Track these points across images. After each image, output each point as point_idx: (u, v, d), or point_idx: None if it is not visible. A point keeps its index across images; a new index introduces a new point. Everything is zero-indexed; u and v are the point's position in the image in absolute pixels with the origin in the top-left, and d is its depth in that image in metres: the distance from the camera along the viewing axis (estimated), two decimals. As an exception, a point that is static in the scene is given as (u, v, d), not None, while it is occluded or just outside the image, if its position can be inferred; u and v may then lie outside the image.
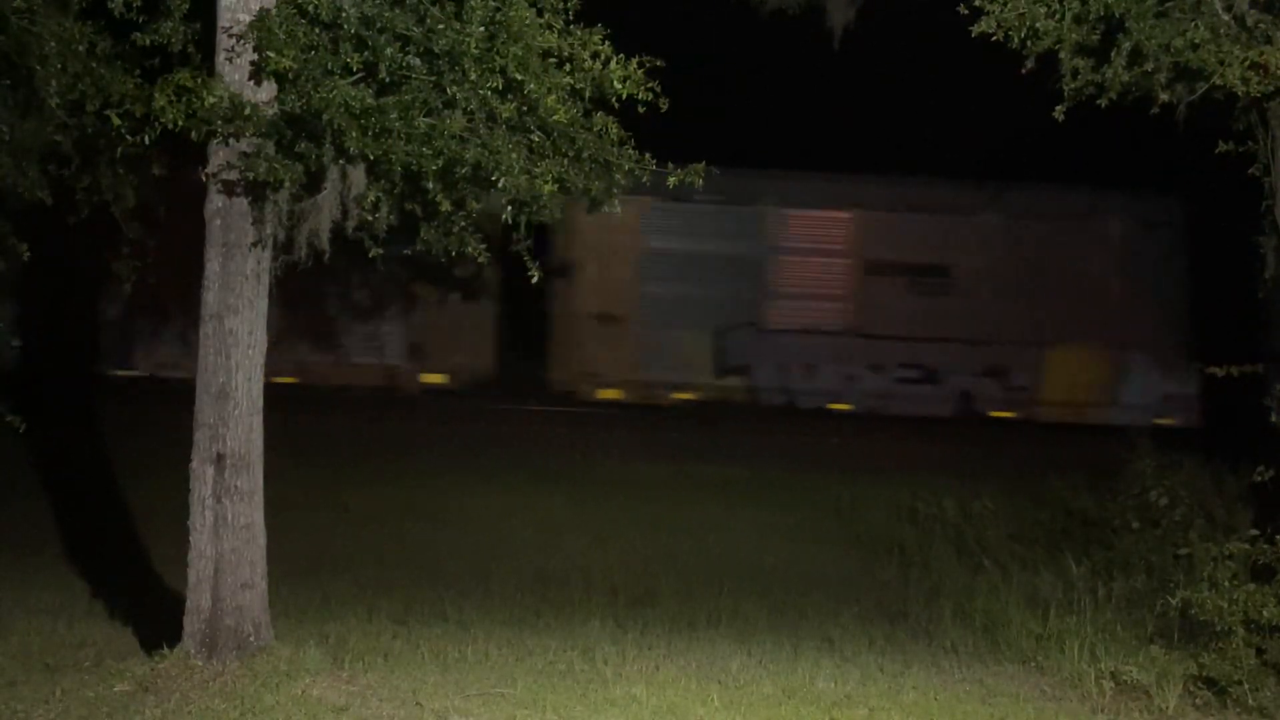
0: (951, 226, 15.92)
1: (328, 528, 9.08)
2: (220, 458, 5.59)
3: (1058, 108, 6.28)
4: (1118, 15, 6.07)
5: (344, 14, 5.29)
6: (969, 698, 6.10)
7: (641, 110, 5.53)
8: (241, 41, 5.44)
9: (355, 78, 5.29)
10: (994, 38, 6.20)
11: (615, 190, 5.72)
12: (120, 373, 15.05)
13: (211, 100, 5.27)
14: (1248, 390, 7.02)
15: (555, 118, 5.33)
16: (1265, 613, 6.07)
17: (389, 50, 5.25)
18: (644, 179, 5.70)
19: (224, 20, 5.51)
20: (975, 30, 6.20)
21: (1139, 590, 7.72)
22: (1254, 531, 6.61)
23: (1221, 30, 6.01)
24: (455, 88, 5.28)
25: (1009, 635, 7.12)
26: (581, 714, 5.57)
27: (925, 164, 15.52)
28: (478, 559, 8.58)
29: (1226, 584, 6.24)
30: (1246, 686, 6.04)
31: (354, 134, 5.14)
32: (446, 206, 5.44)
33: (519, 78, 5.27)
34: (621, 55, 5.52)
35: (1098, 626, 7.03)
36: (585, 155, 5.52)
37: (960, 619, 7.55)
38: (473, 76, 5.25)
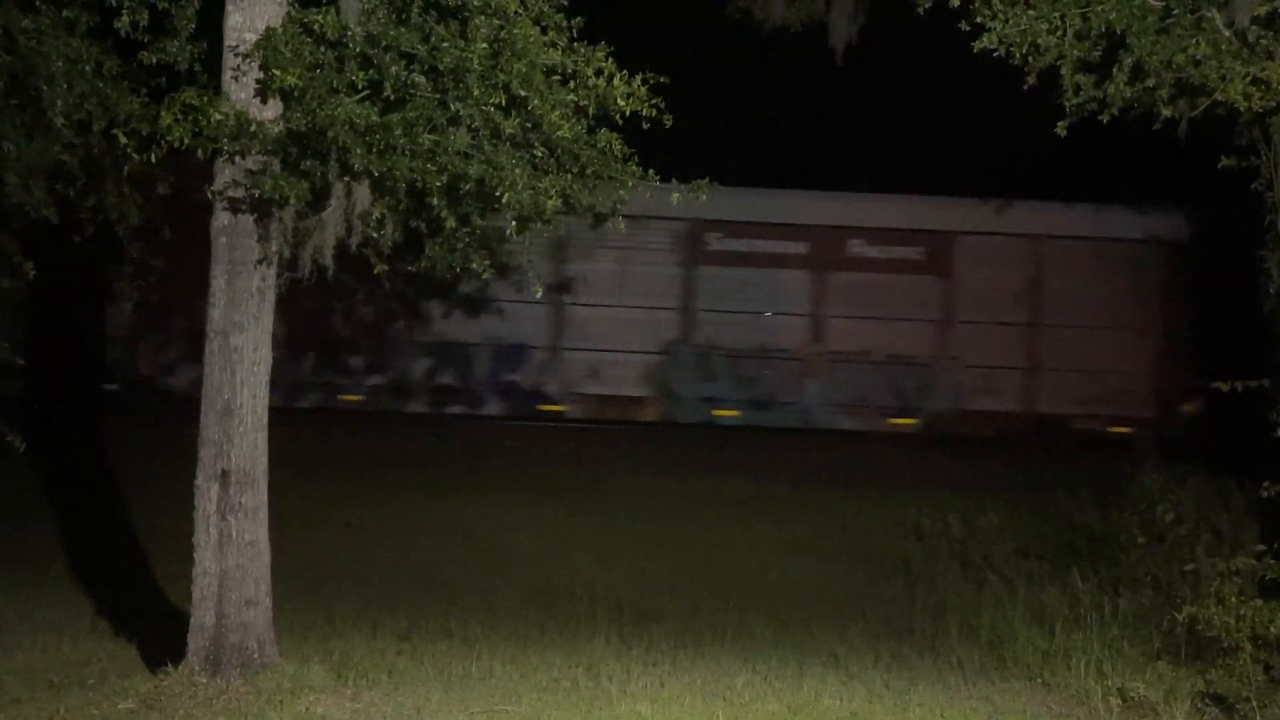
0: None
1: (332, 544, 9.07)
2: (225, 474, 5.60)
3: (1060, 123, 6.30)
4: (1119, 31, 6.10)
5: (349, 32, 5.33)
6: (975, 714, 6.07)
7: (645, 126, 5.55)
8: (248, 60, 5.48)
9: (360, 95, 5.32)
10: (996, 54, 6.23)
11: (618, 206, 5.75)
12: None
13: (218, 118, 5.30)
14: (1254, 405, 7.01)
15: (559, 134, 5.36)
16: (1273, 628, 6.05)
17: (394, 68, 5.29)
18: (648, 194, 5.73)
19: (230, 39, 5.55)
20: (977, 46, 6.23)
21: (1146, 606, 7.68)
22: (1261, 547, 6.60)
23: (1223, 46, 6.03)
24: (459, 104, 5.31)
25: (1015, 651, 7.09)
26: (586, 731, 5.56)
27: (927, 181, 15.53)
28: (482, 575, 8.57)
29: (1233, 600, 6.22)
30: (1254, 703, 6.01)
31: (359, 151, 5.16)
32: (451, 222, 5.47)
33: (523, 94, 5.30)
34: (625, 72, 5.55)
35: (1104, 643, 7.01)
36: (589, 171, 5.55)
37: (966, 635, 7.52)
38: (476, 93, 5.27)
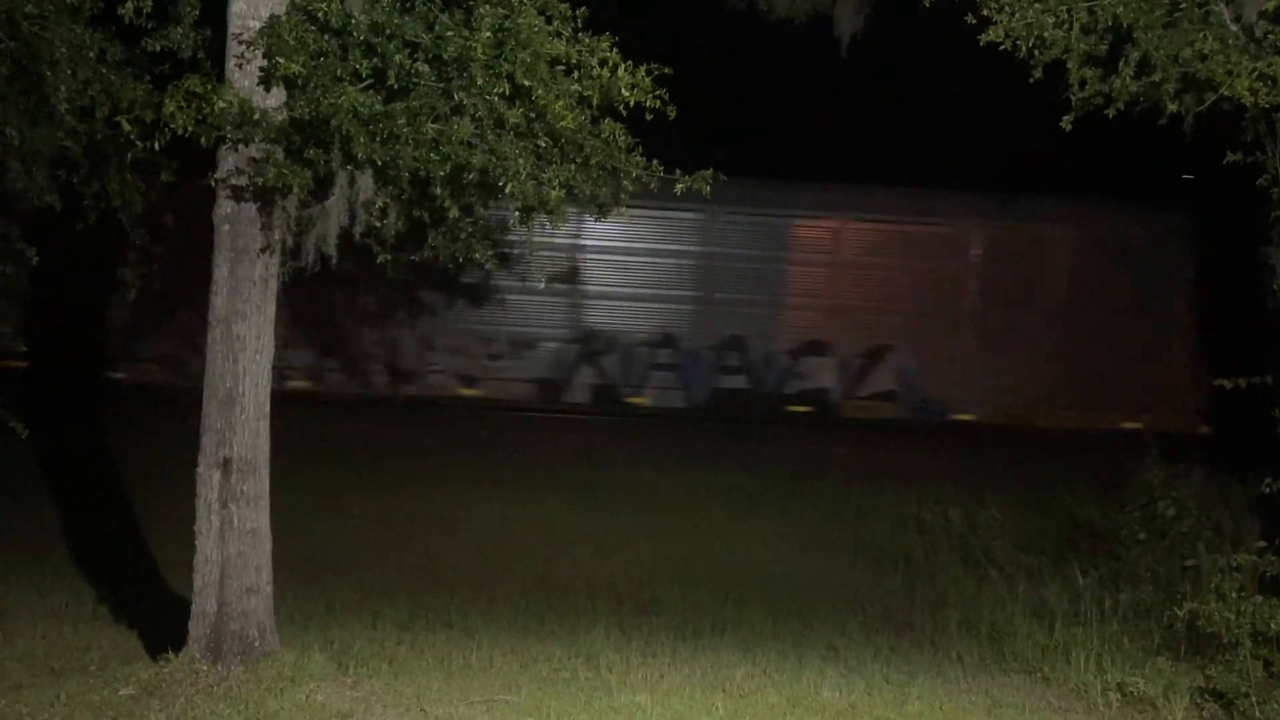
0: None
1: (333, 533, 9.08)
2: (227, 462, 5.60)
3: (1065, 118, 6.28)
4: (1126, 25, 6.07)
5: (353, 21, 5.32)
6: (974, 708, 6.08)
7: (649, 117, 5.54)
8: (251, 47, 5.46)
9: (364, 84, 5.31)
10: (1002, 47, 6.20)
11: (622, 197, 5.74)
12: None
13: (221, 105, 5.29)
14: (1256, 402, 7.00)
15: (563, 124, 5.35)
16: (1273, 625, 6.04)
17: (398, 57, 5.27)
18: (651, 185, 5.72)
19: (234, 26, 5.54)
20: (983, 39, 6.20)
21: (1146, 602, 7.68)
22: (1261, 543, 6.61)
23: (1230, 41, 6.00)
24: (463, 94, 5.30)
25: (1015, 646, 7.10)
26: (586, 721, 5.56)
27: (931, 174, 15.49)
28: (482, 565, 8.57)
29: (1234, 596, 6.22)
30: (1254, 699, 6.01)
31: (362, 140, 5.15)
32: (454, 212, 5.46)
33: (527, 84, 5.29)
34: (629, 62, 5.53)
35: (1104, 638, 7.01)
36: (593, 162, 5.54)
37: (966, 629, 7.52)
38: (480, 82, 5.26)
